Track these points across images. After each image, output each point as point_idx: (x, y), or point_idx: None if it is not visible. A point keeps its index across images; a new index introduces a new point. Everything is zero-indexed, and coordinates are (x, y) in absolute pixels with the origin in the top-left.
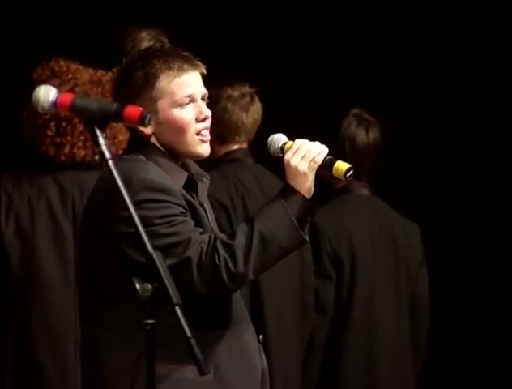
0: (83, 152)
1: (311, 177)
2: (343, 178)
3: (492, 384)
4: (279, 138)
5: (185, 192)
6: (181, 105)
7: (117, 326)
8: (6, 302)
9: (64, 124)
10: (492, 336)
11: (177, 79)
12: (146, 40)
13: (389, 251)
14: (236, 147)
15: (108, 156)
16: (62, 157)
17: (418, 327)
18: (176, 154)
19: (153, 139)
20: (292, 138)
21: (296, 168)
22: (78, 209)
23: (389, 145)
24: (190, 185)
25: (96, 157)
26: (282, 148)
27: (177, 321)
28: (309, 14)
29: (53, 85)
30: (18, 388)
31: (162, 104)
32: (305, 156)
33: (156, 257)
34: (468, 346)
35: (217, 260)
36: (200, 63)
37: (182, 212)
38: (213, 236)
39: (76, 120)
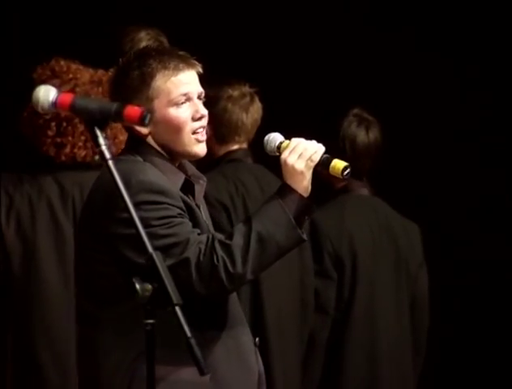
0: (83, 153)
1: (308, 175)
2: (340, 176)
3: (492, 384)
4: (275, 138)
5: (182, 194)
6: (177, 104)
7: (114, 326)
8: (6, 303)
9: (65, 124)
10: (492, 336)
11: (172, 78)
12: (145, 40)
13: (389, 251)
14: (236, 147)
15: (108, 156)
16: (63, 157)
17: (418, 327)
18: (172, 154)
19: (150, 139)
20: (289, 137)
21: (292, 167)
22: (79, 209)
23: (389, 145)
24: (187, 187)
25: (96, 157)
26: (278, 147)
27: (177, 321)
28: (309, 14)
29: (54, 85)
30: None
31: (158, 104)
32: (301, 154)
33: (156, 257)
34: (468, 346)
35: (215, 260)
36: (196, 62)
37: (180, 214)
38: (211, 236)
39: (77, 120)
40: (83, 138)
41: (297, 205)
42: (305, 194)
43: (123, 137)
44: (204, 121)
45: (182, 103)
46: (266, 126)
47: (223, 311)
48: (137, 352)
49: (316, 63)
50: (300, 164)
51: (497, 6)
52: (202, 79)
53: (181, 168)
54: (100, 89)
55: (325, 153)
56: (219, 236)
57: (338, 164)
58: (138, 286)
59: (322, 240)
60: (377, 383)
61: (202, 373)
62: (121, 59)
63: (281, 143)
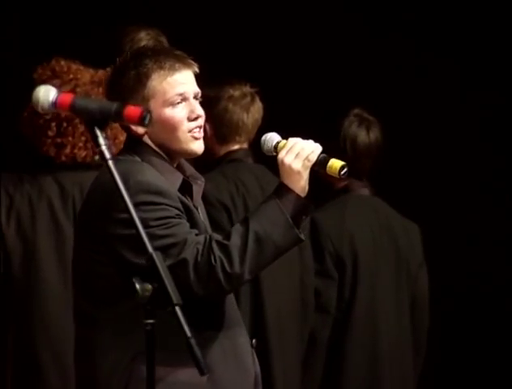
0: (83, 153)
1: (305, 175)
2: (338, 176)
3: (492, 384)
4: (272, 138)
5: (180, 194)
6: (173, 104)
7: (112, 326)
8: (6, 303)
9: (65, 124)
10: (492, 336)
11: (168, 78)
12: (144, 40)
13: (390, 251)
14: (236, 147)
15: (108, 156)
16: (63, 158)
17: (418, 327)
18: (170, 153)
19: (146, 139)
20: (290, 137)
21: (290, 167)
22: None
23: (389, 145)
24: (185, 188)
25: (97, 157)
26: (275, 147)
27: (177, 321)
28: (309, 13)
29: (54, 85)
30: None
31: (154, 104)
32: (298, 154)
33: (156, 257)
34: (468, 346)
35: (213, 261)
36: (193, 62)
37: (178, 214)
38: (208, 237)
39: (77, 120)
40: (83, 138)
41: (294, 205)
42: (303, 194)
43: (123, 137)
44: (200, 121)
45: (178, 103)
46: (266, 126)
47: (220, 312)
48: (134, 353)
49: (316, 63)
50: (297, 164)
51: (497, 7)
52: (203, 79)
53: (180, 168)
54: (101, 89)
55: (322, 153)
56: (217, 236)
57: (335, 163)
58: (138, 286)
59: (322, 240)
60: (378, 383)
61: (202, 373)
62: (117, 59)
63: (278, 142)
